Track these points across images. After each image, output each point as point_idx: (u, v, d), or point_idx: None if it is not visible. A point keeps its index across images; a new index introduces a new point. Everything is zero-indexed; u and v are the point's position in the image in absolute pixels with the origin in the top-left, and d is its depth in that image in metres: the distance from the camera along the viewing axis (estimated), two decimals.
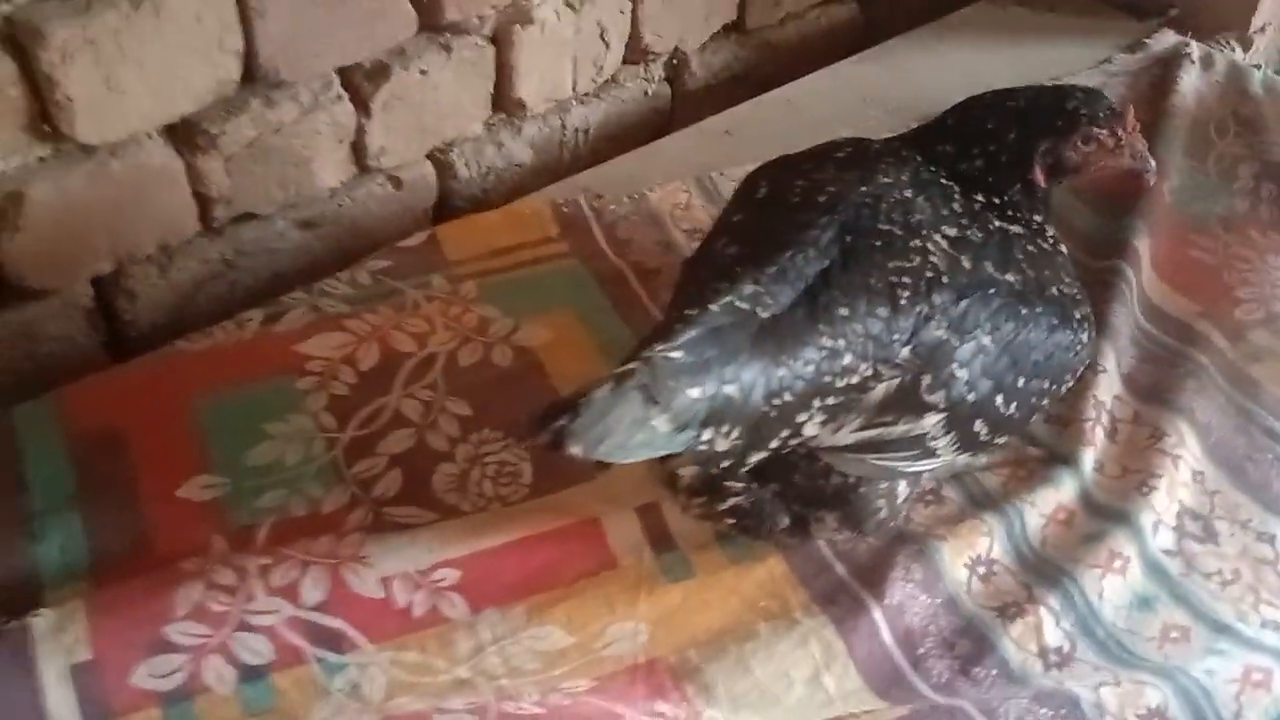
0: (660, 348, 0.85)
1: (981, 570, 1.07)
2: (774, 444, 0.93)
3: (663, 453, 0.87)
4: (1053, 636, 1.02)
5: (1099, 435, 1.18)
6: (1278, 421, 1.23)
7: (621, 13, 1.62)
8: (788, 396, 0.91)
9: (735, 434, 0.89)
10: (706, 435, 0.87)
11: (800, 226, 0.99)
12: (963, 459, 1.12)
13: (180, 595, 0.98)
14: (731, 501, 1.00)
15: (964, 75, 1.74)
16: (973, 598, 1.05)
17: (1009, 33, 1.87)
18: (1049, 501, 1.12)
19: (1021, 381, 1.02)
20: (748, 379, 0.88)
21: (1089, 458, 1.16)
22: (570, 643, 0.99)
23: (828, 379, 0.93)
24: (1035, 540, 1.10)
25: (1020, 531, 1.10)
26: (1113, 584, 1.06)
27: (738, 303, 0.91)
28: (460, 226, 1.41)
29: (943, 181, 1.06)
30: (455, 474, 1.12)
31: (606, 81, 1.70)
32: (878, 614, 1.02)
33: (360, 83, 1.43)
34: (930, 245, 1.00)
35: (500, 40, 1.52)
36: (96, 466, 1.09)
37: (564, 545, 1.06)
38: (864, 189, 1.02)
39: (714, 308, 0.90)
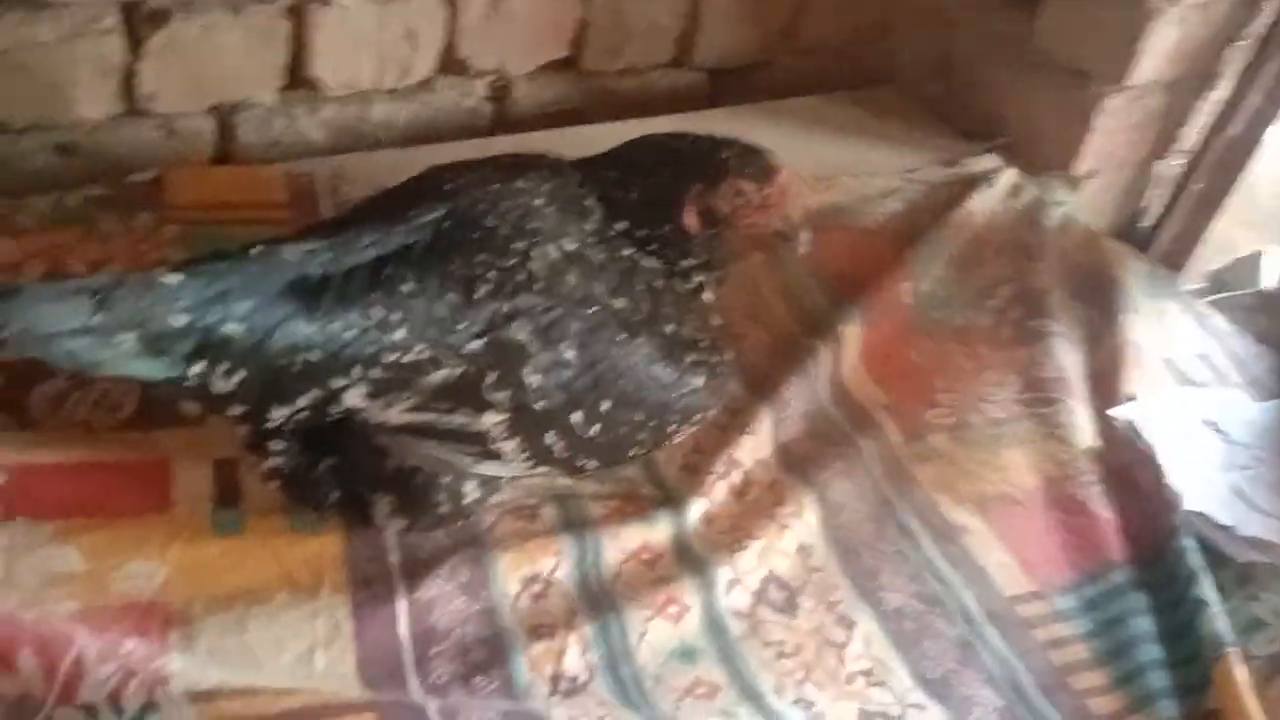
0: (161, 271, 0.85)
1: (536, 588, 1.04)
2: (302, 402, 0.92)
3: (137, 373, 0.86)
4: (572, 664, 0.99)
5: (720, 490, 1.16)
6: (915, 520, 1.20)
7: (433, 21, 1.64)
8: (314, 355, 0.90)
9: (238, 378, 0.88)
10: (196, 369, 0.86)
11: (406, 203, 0.99)
12: (563, 480, 1.10)
13: None
14: (271, 462, 0.98)
15: (779, 152, 1.77)
16: (515, 613, 1.02)
17: (838, 127, 1.90)
18: (634, 538, 1.10)
19: (605, 406, 1.01)
20: (261, 324, 0.87)
21: (697, 508, 1.14)
22: (83, 569, 0.97)
23: (372, 349, 0.92)
24: (607, 573, 1.07)
25: (593, 560, 1.07)
26: (660, 628, 1.03)
27: (285, 254, 0.90)
28: (191, 173, 1.42)
29: (586, 203, 1.06)
30: (56, 392, 1.10)
31: (419, 85, 1.72)
32: (401, 605, 0.99)
33: (138, 23, 1.44)
34: (535, 253, 0.99)
35: (298, 16, 1.54)
36: None
37: (124, 480, 1.04)
38: (493, 187, 1.03)
39: (253, 252, 0.90)
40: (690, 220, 1.08)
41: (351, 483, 1.01)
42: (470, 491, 1.03)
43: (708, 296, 1.11)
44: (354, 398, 0.93)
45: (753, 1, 1.92)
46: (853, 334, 1.40)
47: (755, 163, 1.07)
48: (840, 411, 1.32)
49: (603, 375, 1.00)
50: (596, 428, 1.01)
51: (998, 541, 1.20)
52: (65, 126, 1.48)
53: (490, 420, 0.97)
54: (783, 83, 2.04)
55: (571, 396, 0.99)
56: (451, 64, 1.71)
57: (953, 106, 2.00)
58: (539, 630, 1.00)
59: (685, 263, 1.09)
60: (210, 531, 1.02)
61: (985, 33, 1.93)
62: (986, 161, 1.84)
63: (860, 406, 1.33)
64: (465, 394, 0.96)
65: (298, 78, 1.60)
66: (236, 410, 0.91)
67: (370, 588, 1.00)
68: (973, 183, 1.76)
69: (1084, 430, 1.34)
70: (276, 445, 0.97)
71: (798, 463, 1.24)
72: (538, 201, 1.03)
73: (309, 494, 1.01)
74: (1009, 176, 1.80)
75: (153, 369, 0.85)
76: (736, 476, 1.19)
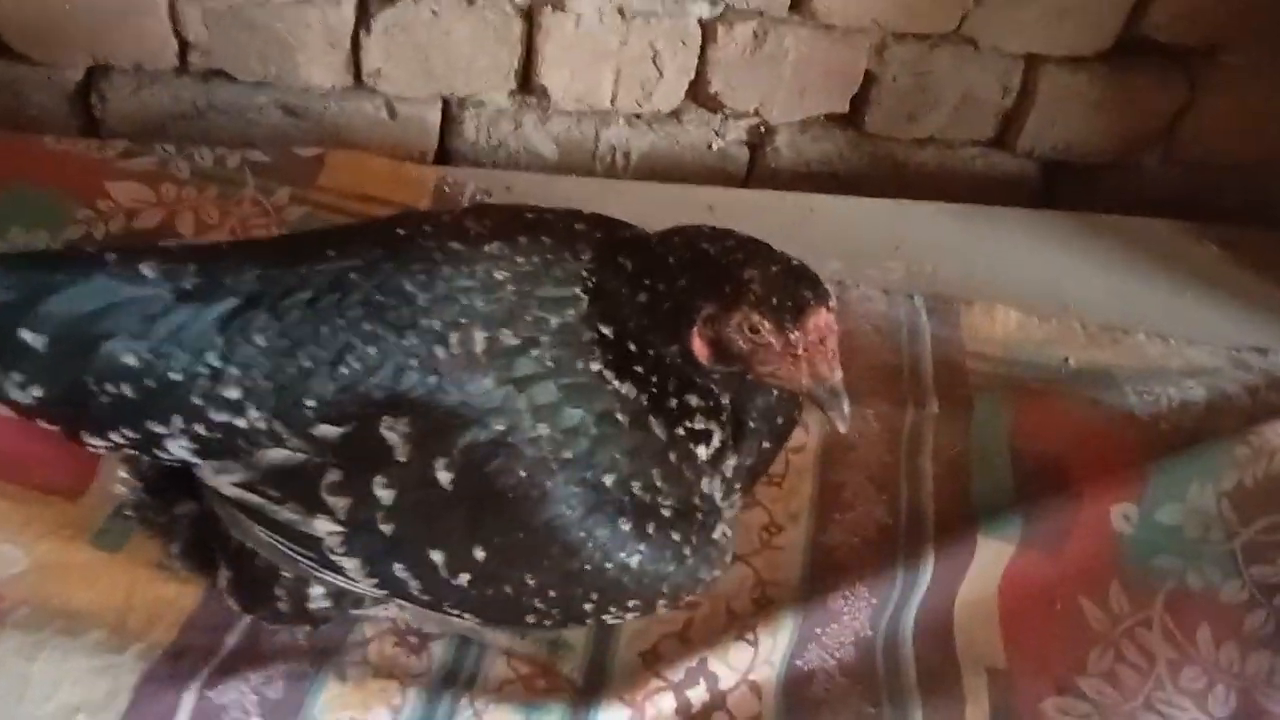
0: None
1: None
2: (117, 439, 0.80)
3: None
4: None
5: (661, 704, 0.87)
6: None
7: (684, 44, 1.45)
8: (128, 390, 0.77)
9: (36, 392, 0.77)
10: None
11: (337, 243, 0.83)
12: (465, 623, 0.89)
13: None
14: (115, 489, 0.87)
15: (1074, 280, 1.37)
16: None
17: (1183, 266, 1.44)
18: None
19: (479, 552, 0.78)
20: (73, 340, 0.76)
21: (611, 717, 0.86)
22: None
23: (198, 401, 0.78)
24: None
25: None
26: None
27: (141, 269, 0.78)
28: (351, 158, 1.36)
29: (578, 293, 0.83)
30: None
31: (668, 114, 1.54)
32: (189, 699, 0.84)
33: None
34: (453, 337, 0.79)
35: (532, 17, 1.43)
36: None
37: (60, 454, 0.98)
38: (453, 244, 0.83)
39: (110, 257, 0.79)
40: (699, 349, 0.81)
41: (205, 539, 0.87)
42: (316, 597, 0.85)
43: (701, 455, 0.82)
44: (176, 448, 0.79)
45: (1118, 88, 1.49)
46: (997, 551, 1.01)
47: (787, 294, 0.77)
48: (918, 653, 0.95)
49: (483, 513, 0.77)
50: (465, 576, 0.79)
51: None
52: (294, 89, 1.49)
53: (323, 527, 0.78)
54: (1143, 195, 1.59)
55: (434, 529, 0.77)
56: (703, 97, 1.51)
57: None
58: None
59: (688, 399, 0.82)
60: (90, 538, 0.94)
61: None
62: None
63: (952, 658, 0.95)
64: (298, 486, 0.78)
65: (529, 84, 1.49)
66: (46, 426, 0.80)
67: (175, 663, 0.86)
68: None
69: None
70: (120, 473, 0.86)
71: (805, 706, 0.90)
72: (500, 275, 0.82)
73: (157, 534, 0.89)
74: None
75: None
76: (700, 694, 0.88)
